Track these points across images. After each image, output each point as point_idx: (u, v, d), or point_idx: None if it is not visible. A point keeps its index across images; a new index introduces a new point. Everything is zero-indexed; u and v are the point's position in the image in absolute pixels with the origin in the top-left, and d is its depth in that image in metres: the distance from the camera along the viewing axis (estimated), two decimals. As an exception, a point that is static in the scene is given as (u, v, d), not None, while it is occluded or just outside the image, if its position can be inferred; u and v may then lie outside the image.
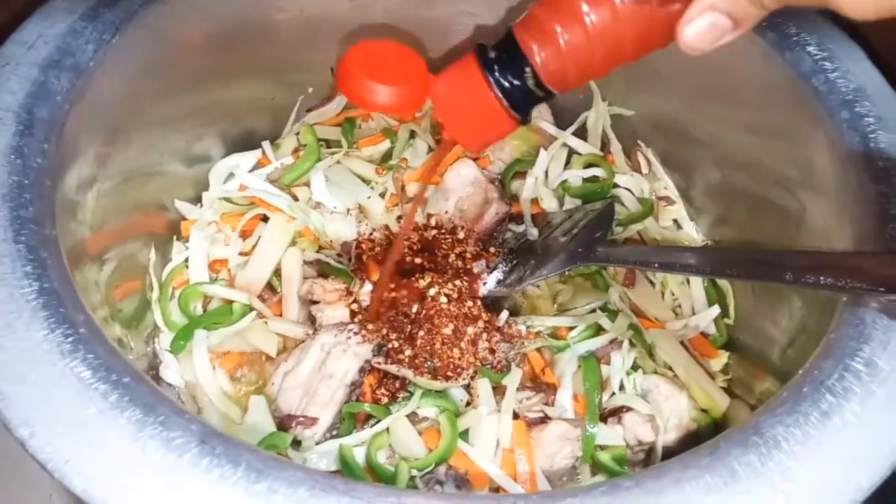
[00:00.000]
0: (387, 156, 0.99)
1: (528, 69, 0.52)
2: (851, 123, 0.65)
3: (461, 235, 0.89)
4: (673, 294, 0.87)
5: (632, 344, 0.81)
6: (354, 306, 0.82)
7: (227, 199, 0.90)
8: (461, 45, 0.98)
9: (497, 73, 0.53)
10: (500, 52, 0.53)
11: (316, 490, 0.42)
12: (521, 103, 0.54)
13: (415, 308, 0.80)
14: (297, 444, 0.74)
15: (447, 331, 0.79)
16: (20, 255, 0.52)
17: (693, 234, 0.92)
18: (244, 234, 0.89)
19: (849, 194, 0.62)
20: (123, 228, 0.76)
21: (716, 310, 0.84)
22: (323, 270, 0.87)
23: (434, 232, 0.89)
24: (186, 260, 0.86)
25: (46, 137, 0.60)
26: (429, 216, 0.91)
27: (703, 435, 0.76)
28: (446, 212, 0.91)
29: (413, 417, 0.77)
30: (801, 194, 0.72)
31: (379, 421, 0.75)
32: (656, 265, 0.71)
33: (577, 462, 0.76)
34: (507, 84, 0.53)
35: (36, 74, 0.63)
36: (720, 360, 0.82)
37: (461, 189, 0.92)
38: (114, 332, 0.67)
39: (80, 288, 0.55)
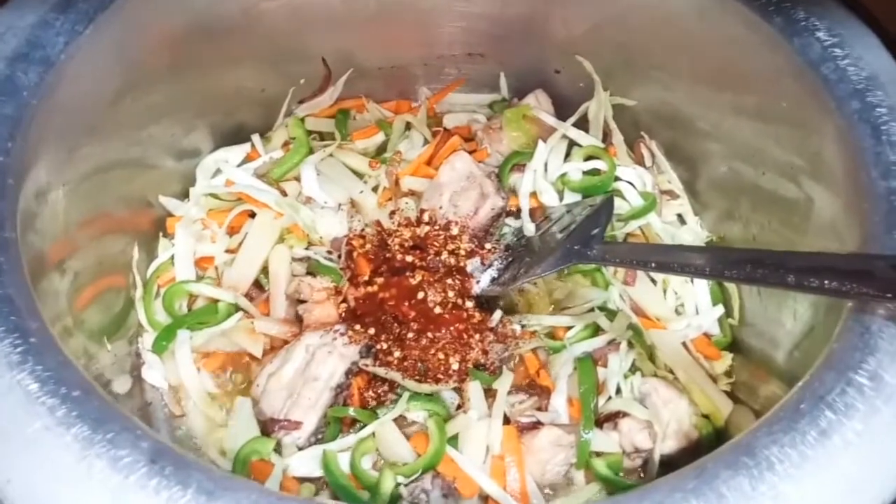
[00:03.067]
0: (381, 148, 0.97)
1: None
2: (862, 114, 0.61)
3: (455, 231, 0.85)
4: (676, 293, 0.83)
5: (630, 345, 0.78)
6: (343, 306, 0.80)
7: (214, 195, 0.88)
8: (455, 35, 0.94)
9: None
10: None
11: (269, 514, 0.40)
12: None
13: (405, 308, 0.78)
14: (279, 449, 0.72)
15: (438, 332, 0.76)
16: (-26, 259, 0.49)
17: (697, 229, 0.88)
18: (231, 231, 0.86)
19: (857, 191, 0.58)
20: (102, 226, 0.74)
21: (720, 310, 0.81)
22: (312, 268, 0.84)
23: (427, 228, 0.86)
24: (172, 257, 0.84)
25: (11, 135, 0.58)
26: (422, 211, 0.88)
27: (704, 443, 0.73)
28: (440, 207, 0.87)
29: (401, 421, 0.74)
30: (808, 189, 0.68)
31: (365, 425, 0.73)
32: (653, 265, 0.68)
33: (570, 469, 0.73)
34: None
35: (2, 69, 0.61)
36: (723, 362, 0.78)
37: (455, 183, 0.88)
38: (81, 337, 0.64)
39: (40, 294, 0.53)
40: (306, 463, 0.72)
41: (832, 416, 0.45)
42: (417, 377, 0.75)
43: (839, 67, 0.64)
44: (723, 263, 0.58)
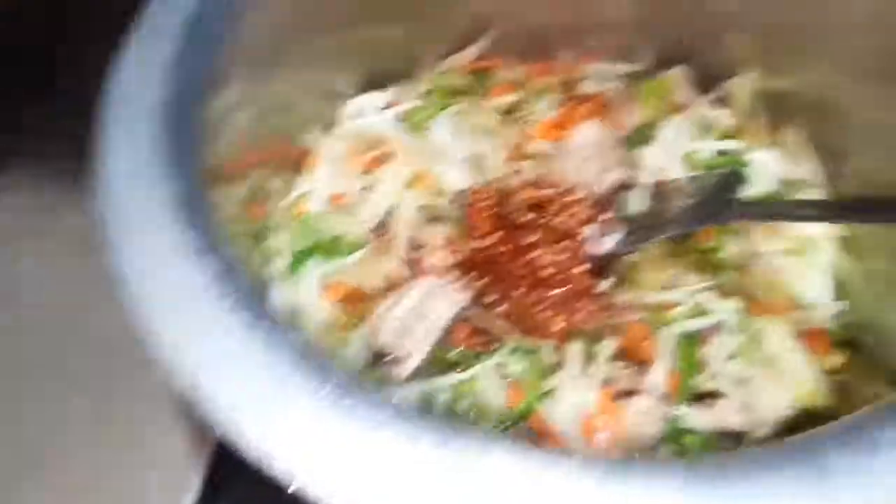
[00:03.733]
0: (514, 108, 0.99)
1: None
2: None
3: (577, 197, 0.87)
4: (795, 283, 0.82)
5: (737, 330, 0.78)
6: (458, 255, 0.84)
7: (354, 136, 0.93)
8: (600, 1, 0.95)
9: None
10: None
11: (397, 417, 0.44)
12: None
13: (517, 265, 0.81)
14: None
15: (546, 292, 0.79)
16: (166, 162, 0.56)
17: (826, 227, 0.85)
18: (365, 171, 0.92)
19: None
20: (257, 154, 0.80)
21: (839, 305, 0.79)
22: (434, 215, 0.89)
23: (549, 191, 0.88)
24: (308, 192, 0.90)
25: (207, 53, 0.64)
26: (546, 174, 0.90)
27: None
28: (566, 172, 0.89)
29: (500, 370, 0.78)
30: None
31: (466, 368, 0.77)
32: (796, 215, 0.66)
33: (658, 442, 0.74)
34: None
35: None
36: (834, 358, 0.77)
37: (584, 150, 0.90)
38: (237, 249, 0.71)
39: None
40: (408, 397, 0.76)
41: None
42: (521, 331, 0.79)
43: None
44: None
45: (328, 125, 0.94)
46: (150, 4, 0.66)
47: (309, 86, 0.88)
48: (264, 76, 0.76)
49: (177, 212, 0.53)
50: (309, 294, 0.84)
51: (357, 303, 0.86)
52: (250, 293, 0.50)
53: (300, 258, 0.85)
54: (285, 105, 0.85)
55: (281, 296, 0.84)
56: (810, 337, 0.78)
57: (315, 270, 0.85)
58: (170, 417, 0.84)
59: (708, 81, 0.94)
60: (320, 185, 0.90)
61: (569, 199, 0.87)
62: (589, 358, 0.77)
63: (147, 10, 0.65)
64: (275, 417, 0.45)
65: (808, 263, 0.82)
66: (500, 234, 0.84)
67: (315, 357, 0.47)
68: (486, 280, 0.81)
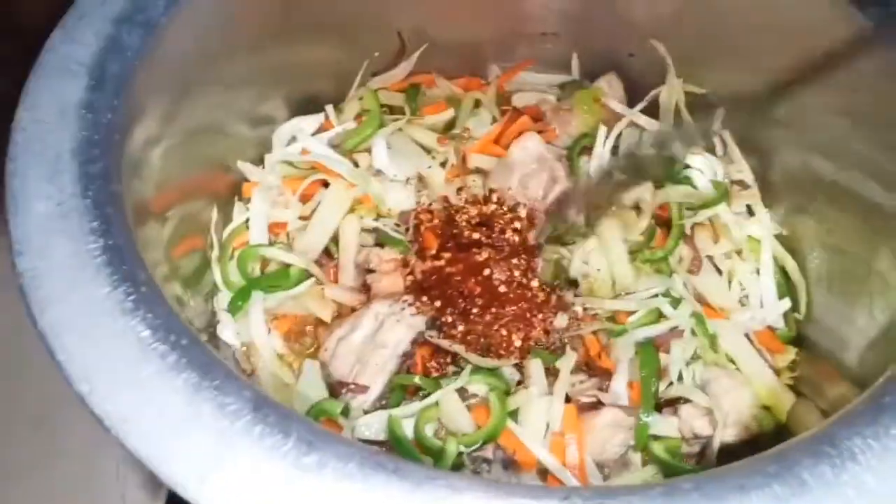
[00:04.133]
0: (449, 125, 0.97)
1: None
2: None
3: (522, 213, 0.86)
4: (741, 284, 0.83)
5: (693, 333, 0.78)
6: (410, 278, 0.82)
7: (289, 163, 0.90)
8: (530, 12, 0.94)
9: None
10: None
11: (365, 467, 0.42)
12: None
13: (470, 284, 0.79)
14: (345, 412, 0.74)
15: (501, 309, 0.78)
16: (87, 210, 0.52)
17: (767, 221, 0.87)
18: (304, 199, 0.88)
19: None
20: (187, 187, 0.76)
21: (786, 303, 0.80)
22: (380, 239, 0.86)
23: (494, 207, 0.87)
24: (247, 221, 0.86)
25: (116, 93, 0.60)
26: (490, 191, 0.89)
27: (765, 434, 0.73)
28: (509, 188, 0.88)
29: (462, 393, 0.76)
30: (891, 187, 0.67)
31: (429, 394, 0.75)
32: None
33: (628, 451, 0.74)
34: None
35: (109, 29, 0.63)
36: (786, 356, 0.78)
37: (526, 165, 0.89)
38: (173, 290, 0.67)
39: (142, 245, 0.55)
40: (373, 426, 0.74)
41: (917, 412, 0.45)
42: (480, 352, 0.77)
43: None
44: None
45: (262, 151, 0.91)
46: (51, 40, 0.61)
47: (236, 111, 0.84)
48: (188, 104, 0.72)
49: (105, 266, 0.49)
50: (257, 327, 0.81)
51: (308, 335, 0.84)
52: (192, 346, 0.46)
53: (244, 291, 0.81)
54: (213, 132, 0.81)
55: (229, 332, 0.81)
56: (761, 337, 0.79)
57: (260, 304, 0.81)
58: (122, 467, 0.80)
59: (639, 89, 0.95)
60: (257, 215, 0.86)
61: (514, 215, 0.86)
62: (551, 373, 0.76)
63: (48, 46, 0.61)
64: (236, 480, 0.42)
65: (752, 264, 0.83)
66: (449, 253, 0.83)
67: (272, 411, 0.44)
68: (441, 301, 0.79)
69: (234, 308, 0.80)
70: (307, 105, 0.94)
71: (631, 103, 0.95)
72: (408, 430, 0.73)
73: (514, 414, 0.74)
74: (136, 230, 0.57)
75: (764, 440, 0.72)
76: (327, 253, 0.86)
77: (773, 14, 0.77)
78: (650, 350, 0.77)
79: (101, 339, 0.46)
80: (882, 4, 0.67)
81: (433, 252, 0.83)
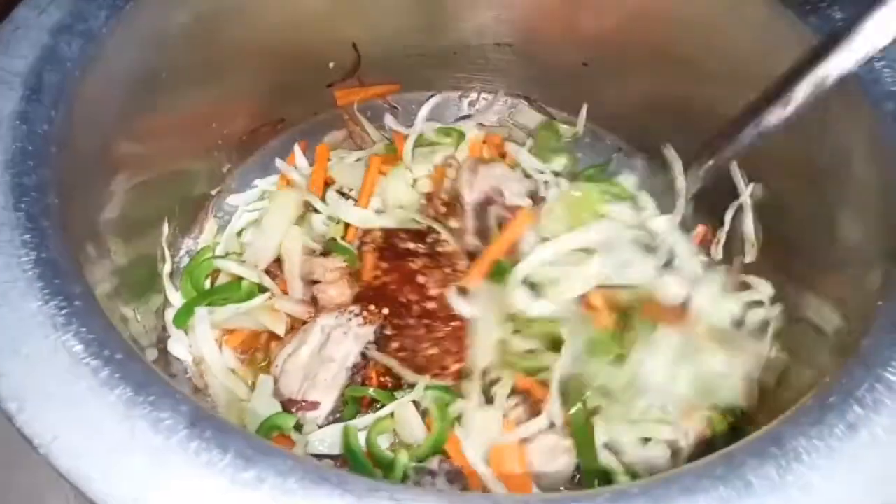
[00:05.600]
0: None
1: None
2: (896, 115, 0.61)
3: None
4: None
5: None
6: (356, 288, 0.80)
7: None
8: (483, 24, 0.95)
9: None
10: None
11: (306, 481, 0.41)
12: None
13: (406, 293, 0.78)
14: (299, 426, 0.73)
15: (435, 324, 0.77)
16: (19, 223, 0.50)
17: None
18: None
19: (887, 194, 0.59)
20: (135, 199, 0.74)
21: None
22: (327, 248, 0.85)
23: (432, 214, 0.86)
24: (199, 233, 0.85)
25: (54, 104, 0.59)
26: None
27: (719, 439, 0.73)
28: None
29: (417, 406, 0.75)
30: (834, 191, 0.68)
31: (383, 405, 0.73)
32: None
33: (576, 470, 0.72)
34: None
35: (46, 39, 0.62)
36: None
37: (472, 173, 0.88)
38: (117, 305, 0.65)
39: (83, 260, 0.54)
40: (326, 440, 0.72)
41: (860, 412, 0.46)
42: (415, 369, 0.75)
43: (874, 69, 0.64)
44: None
45: (212, 165, 0.89)
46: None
47: (185, 122, 0.82)
48: (135, 114, 0.71)
49: (37, 279, 0.47)
50: (205, 342, 0.79)
51: (261, 349, 0.82)
52: (127, 360, 0.44)
53: (189, 306, 0.79)
54: (162, 144, 0.79)
55: (181, 347, 0.79)
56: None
57: (205, 318, 0.79)
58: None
59: (591, 100, 0.97)
60: (208, 226, 0.85)
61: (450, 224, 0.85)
62: (488, 397, 0.74)
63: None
64: (171, 499, 0.41)
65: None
66: (387, 263, 0.81)
67: (209, 425, 0.43)
68: (389, 309, 0.78)
69: (181, 322, 0.79)
70: (260, 115, 0.93)
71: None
72: (363, 441, 0.72)
73: (457, 425, 0.72)
74: (78, 244, 0.56)
75: (719, 444, 0.72)
76: (279, 264, 0.85)
77: (713, 26, 0.78)
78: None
79: (31, 354, 0.45)
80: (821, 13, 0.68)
81: (373, 263, 0.82)
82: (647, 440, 0.72)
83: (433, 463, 0.71)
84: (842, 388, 0.47)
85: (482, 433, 0.71)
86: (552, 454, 0.71)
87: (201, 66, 0.79)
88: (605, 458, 0.70)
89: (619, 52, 0.91)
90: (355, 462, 0.69)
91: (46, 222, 0.51)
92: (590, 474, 0.70)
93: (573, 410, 0.70)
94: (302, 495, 0.40)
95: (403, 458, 0.69)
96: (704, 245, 0.86)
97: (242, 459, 0.41)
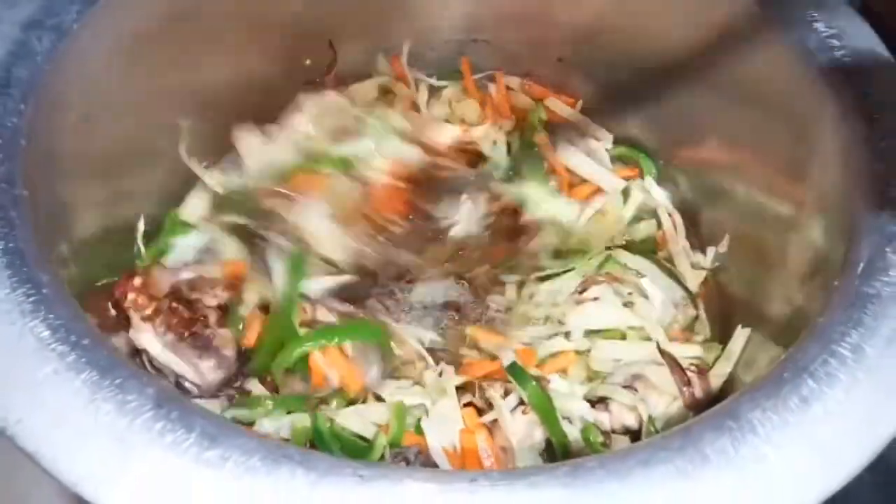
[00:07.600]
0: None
1: None
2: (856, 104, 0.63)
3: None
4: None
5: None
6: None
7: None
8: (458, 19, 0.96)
9: None
10: None
11: (269, 459, 0.41)
12: None
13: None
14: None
15: None
16: (-13, 213, 0.51)
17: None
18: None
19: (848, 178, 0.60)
20: (109, 194, 0.75)
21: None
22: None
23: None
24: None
25: (24, 98, 0.59)
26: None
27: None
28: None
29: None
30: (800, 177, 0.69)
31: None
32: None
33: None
34: None
35: (17, 33, 0.62)
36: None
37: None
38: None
39: (52, 250, 0.54)
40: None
41: (814, 385, 0.47)
42: None
43: (835, 58, 0.66)
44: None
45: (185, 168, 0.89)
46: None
47: (159, 118, 0.82)
48: (108, 109, 0.71)
49: (5, 268, 0.48)
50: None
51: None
52: (94, 345, 0.45)
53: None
54: (134, 141, 0.78)
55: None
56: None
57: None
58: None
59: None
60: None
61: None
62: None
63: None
64: (136, 478, 0.41)
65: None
66: None
67: (176, 407, 0.43)
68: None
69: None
70: (234, 112, 0.93)
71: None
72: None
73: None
74: (46, 235, 0.57)
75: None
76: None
77: (682, 19, 0.80)
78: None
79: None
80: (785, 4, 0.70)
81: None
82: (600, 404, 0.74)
83: (408, 451, 0.72)
84: (796, 363, 0.48)
85: (443, 424, 0.71)
86: (528, 430, 0.72)
87: (176, 62, 0.79)
88: (569, 431, 0.71)
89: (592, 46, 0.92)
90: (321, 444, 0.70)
91: (14, 213, 0.52)
92: (563, 449, 0.71)
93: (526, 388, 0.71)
94: (265, 472, 0.41)
95: (381, 439, 0.70)
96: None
97: (207, 439, 0.42)
